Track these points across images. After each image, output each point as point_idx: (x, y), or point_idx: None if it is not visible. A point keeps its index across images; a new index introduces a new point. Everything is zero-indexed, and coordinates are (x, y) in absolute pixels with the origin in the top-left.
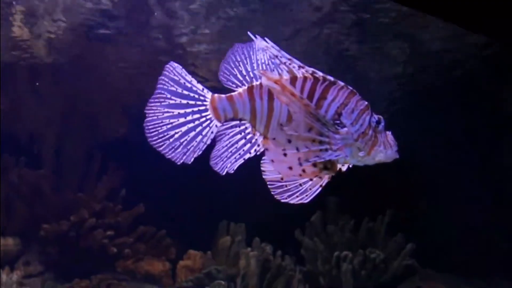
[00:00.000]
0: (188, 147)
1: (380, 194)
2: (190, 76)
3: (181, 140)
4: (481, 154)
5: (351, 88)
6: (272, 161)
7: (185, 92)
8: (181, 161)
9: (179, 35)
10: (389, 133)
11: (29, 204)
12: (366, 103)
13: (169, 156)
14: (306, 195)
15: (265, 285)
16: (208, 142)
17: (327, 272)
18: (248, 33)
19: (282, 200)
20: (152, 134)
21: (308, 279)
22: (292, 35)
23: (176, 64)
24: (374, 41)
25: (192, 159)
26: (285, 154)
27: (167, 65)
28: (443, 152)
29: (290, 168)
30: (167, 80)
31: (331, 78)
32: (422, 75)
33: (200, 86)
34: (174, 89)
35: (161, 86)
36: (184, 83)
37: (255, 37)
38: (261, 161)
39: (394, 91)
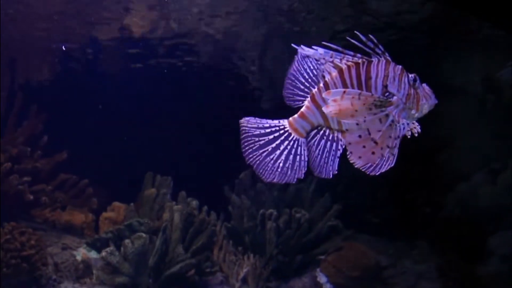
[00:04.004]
0: (295, 168)
1: None
2: (264, 120)
3: (287, 166)
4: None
5: (383, 59)
6: (356, 155)
7: (268, 131)
8: (295, 180)
9: None
10: (424, 85)
11: None
12: (400, 67)
13: (284, 181)
14: (391, 161)
15: (187, 239)
16: (307, 158)
17: (251, 229)
18: (292, 45)
19: (376, 174)
20: (265, 174)
21: (232, 235)
22: None
23: (248, 118)
24: None
25: (304, 175)
26: (360, 136)
27: (242, 121)
28: None
29: (373, 152)
30: (248, 131)
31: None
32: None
33: (276, 121)
34: (258, 133)
35: (247, 139)
36: (263, 125)
37: (298, 47)
38: (348, 156)
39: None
